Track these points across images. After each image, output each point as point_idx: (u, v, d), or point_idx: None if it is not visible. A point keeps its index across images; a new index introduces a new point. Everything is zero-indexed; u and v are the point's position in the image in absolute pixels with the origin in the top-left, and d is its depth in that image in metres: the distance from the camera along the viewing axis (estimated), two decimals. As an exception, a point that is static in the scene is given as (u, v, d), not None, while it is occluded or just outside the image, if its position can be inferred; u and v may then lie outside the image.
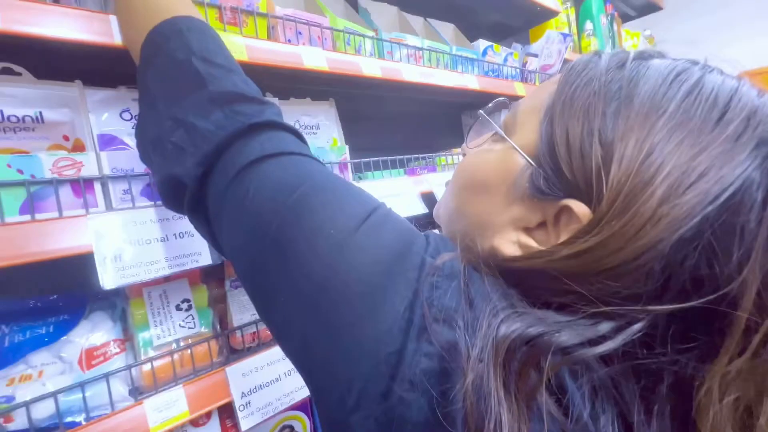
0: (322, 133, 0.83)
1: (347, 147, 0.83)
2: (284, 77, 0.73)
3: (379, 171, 0.87)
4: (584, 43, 1.72)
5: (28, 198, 0.46)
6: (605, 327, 0.22)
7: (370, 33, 0.85)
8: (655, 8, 2.35)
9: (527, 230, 0.29)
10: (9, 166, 0.46)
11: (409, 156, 0.93)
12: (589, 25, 1.74)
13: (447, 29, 1.14)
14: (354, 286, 0.25)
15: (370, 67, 0.78)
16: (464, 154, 0.37)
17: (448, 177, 0.95)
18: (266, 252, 0.29)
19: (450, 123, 1.34)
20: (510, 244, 0.29)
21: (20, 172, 0.47)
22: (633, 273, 0.22)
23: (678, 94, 0.24)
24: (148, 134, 0.40)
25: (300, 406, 0.74)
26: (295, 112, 0.80)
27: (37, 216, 0.47)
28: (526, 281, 0.26)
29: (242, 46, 0.61)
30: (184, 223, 0.56)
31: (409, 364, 0.23)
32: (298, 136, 0.37)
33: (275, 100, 0.75)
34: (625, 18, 2.39)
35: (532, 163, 0.28)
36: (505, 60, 1.19)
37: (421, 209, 0.84)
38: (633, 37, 2.13)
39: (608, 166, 0.24)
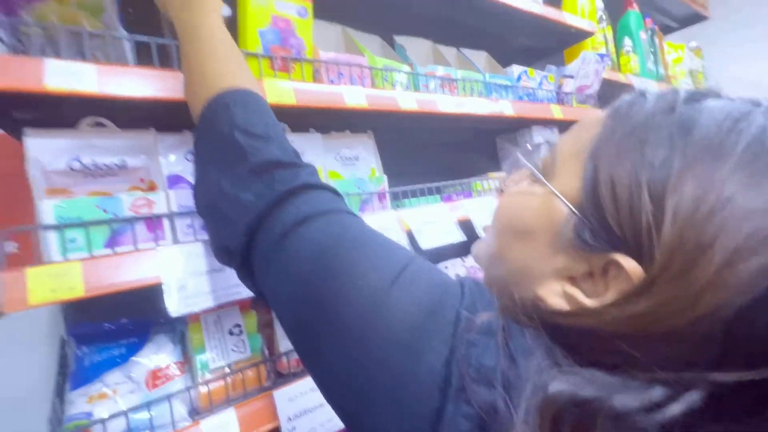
0: (362, 164, 0.87)
1: (385, 177, 0.86)
2: (327, 114, 0.78)
3: (416, 198, 0.89)
4: (623, 60, 1.68)
5: (111, 234, 0.53)
6: (659, 393, 0.20)
7: (406, 68, 0.89)
8: (699, 18, 2.25)
9: (572, 280, 0.27)
10: (97, 206, 0.53)
11: (445, 183, 0.95)
12: (627, 42, 1.70)
13: (480, 57, 1.17)
14: (390, 345, 0.26)
15: (406, 101, 0.82)
16: (502, 191, 0.36)
17: (484, 203, 0.96)
18: (309, 313, 0.31)
19: (485, 147, 1.35)
20: (555, 295, 0.27)
21: (105, 211, 0.54)
22: (689, 338, 0.21)
23: (739, 144, 0.22)
24: (201, 201, 0.45)
25: (341, 432, 0.75)
26: (336, 145, 0.85)
27: (117, 249, 0.54)
28: (571, 337, 0.25)
29: (291, 90, 0.67)
30: (239, 254, 0.61)
31: (449, 425, 0.23)
32: (332, 190, 0.40)
33: (317, 135, 0.80)
34: (666, 30, 2.31)
35: (576, 212, 0.26)
36: (540, 84, 1.20)
37: (459, 237, 0.85)
38: (677, 50, 2.05)
39: (659, 223, 0.22)
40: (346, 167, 0.86)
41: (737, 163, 0.22)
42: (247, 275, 0.40)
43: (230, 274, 0.60)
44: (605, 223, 0.24)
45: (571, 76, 1.28)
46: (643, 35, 1.75)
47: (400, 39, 0.98)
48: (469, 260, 1.04)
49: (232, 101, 0.44)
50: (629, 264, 0.23)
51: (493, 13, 1.08)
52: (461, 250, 1.09)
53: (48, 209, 0.50)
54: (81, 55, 0.52)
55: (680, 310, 0.21)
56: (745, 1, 2.20)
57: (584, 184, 0.26)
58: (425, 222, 0.82)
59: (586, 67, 1.30)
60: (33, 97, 0.48)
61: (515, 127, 1.26)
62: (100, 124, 0.57)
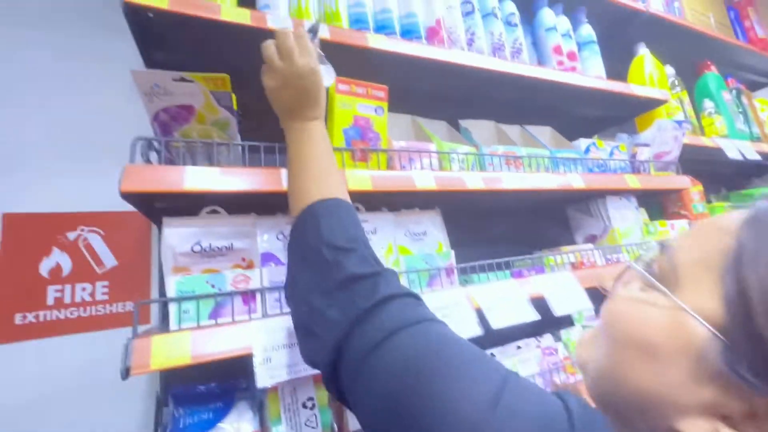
0: (429, 239, 0.91)
1: (452, 252, 0.88)
2: (400, 196, 0.85)
3: (484, 274, 0.89)
4: (705, 122, 1.59)
5: (215, 306, 0.62)
6: None
7: (472, 150, 0.95)
8: (796, 72, 2.07)
9: (727, 420, 0.23)
10: (207, 282, 0.63)
11: (514, 258, 0.94)
12: (708, 104, 1.62)
13: (544, 133, 1.20)
14: None
15: (473, 180, 0.87)
16: (607, 291, 0.32)
17: (558, 279, 0.92)
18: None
19: (555, 217, 1.32)
20: (696, 430, 0.24)
21: (213, 286, 0.63)
22: None
23: None
24: (294, 315, 0.49)
25: None
26: (405, 222, 0.90)
27: (218, 320, 0.62)
28: None
29: (368, 177, 0.75)
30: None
31: None
32: (412, 296, 0.41)
33: (389, 214, 0.86)
34: (755, 86, 2.15)
35: (723, 338, 0.23)
36: (611, 154, 1.17)
37: (532, 315, 0.81)
38: (771, 106, 1.88)
39: None
40: (415, 242, 0.90)
41: None
42: (332, 382, 0.41)
43: (309, 348, 0.64)
44: (764, 356, 0.22)
45: (647, 144, 1.24)
46: (727, 95, 1.66)
47: (465, 123, 1.06)
48: (545, 340, 0.97)
49: (320, 213, 0.49)
50: None
51: (557, 92, 1.13)
52: (535, 329, 1.03)
53: (171, 284, 0.61)
54: (210, 158, 0.66)
55: None
56: None
57: (729, 307, 0.23)
58: (495, 299, 0.81)
59: (662, 135, 1.25)
60: (175, 195, 0.61)
61: (588, 197, 1.22)
62: (215, 211, 0.70)
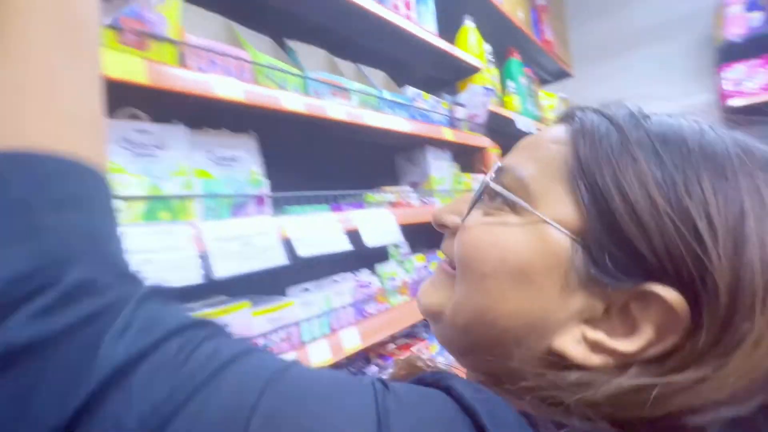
0: (240, 166, 0.79)
1: (267, 182, 0.79)
2: (197, 105, 0.70)
3: (301, 206, 0.83)
4: (507, 99, 1.90)
5: None
6: None
7: (295, 70, 0.85)
8: (566, 75, 2.72)
9: (588, 323, 0.23)
10: None
11: (334, 192, 0.91)
12: (510, 84, 1.94)
13: (377, 75, 1.19)
14: None
15: (291, 102, 0.78)
16: (454, 229, 0.29)
17: (374, 214, 0.94)
18: None
19: (383, 164, 1.37)
20: (575, 343, 0.23)
21: None
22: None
23: (730, 150, 0.22)
24: None
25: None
26: (209, 144, 0.75)
27: None
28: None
29: (143, 67, 0.57)
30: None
31: None
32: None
33: (183, 130, 0.70)
34: (543, 81, 2.72)
35: (585, 242, 0.23)
36: (434, 107, 1.27)
37: (346, 245, 0.81)
38: (550, 98, 2.42)
39: (703, 243, 0.20)
40: (221, 168, 0.77)
41: (739, 171, 0.21)
42: None
43: None
44: (631, 250, 0.22)
45: (463, 105, 1.39)
46: (524, 80, 2.02)
47: (293, 43, 0.95)
48: (362, 275, 1.00)
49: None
50: (670, 294, 0.21)
51: (388, 33, 1.13)
52: (353, 263, 1.05)
53: None
54: None
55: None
56: (602, 60, 2.72)
57: (582, 208, 0.23)
58: (308, 230, 0.77)
59: (474, 99, 1.43)
60: None
61: (410, 146, 1.30)
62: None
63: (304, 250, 0.72)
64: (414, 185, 1.27)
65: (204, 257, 0.60)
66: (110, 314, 0.18)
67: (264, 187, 0.78)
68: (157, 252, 0.55)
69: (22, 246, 0.18)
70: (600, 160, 0.23)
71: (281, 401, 0.18)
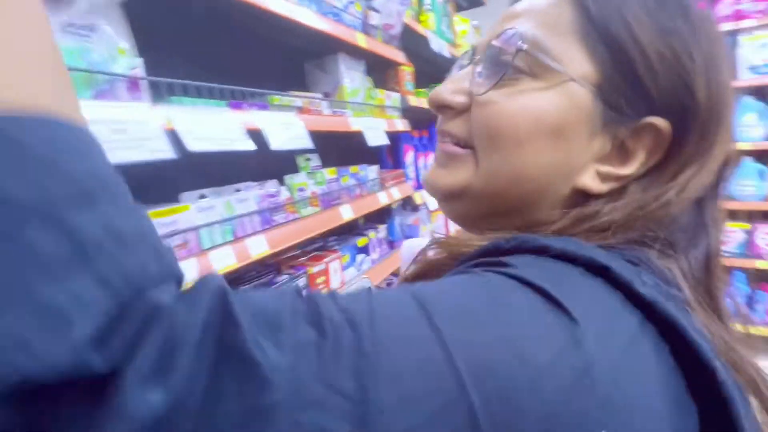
0: (100, 38, 0.62)
1: (141, 61, 0.65)
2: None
3: (190, 98, 0.71)
4: (423, 17, 1.84)
5: None
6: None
7: None
8: (479, 3, 2.72)
9: (601, 160, 0.28)
10: None
11: (232, 87, 0.80)
12: (427, 1, 1.86)
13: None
14: None
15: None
16: (473, 103, 0.30)
17: (280, 117, 0.87)
18: None
19: (291, 71, 1.24)
20: (592, 178, 0.28)
21: None
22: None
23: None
24: None
25: None
26: (59, 7, 0.57)
27: None
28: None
29: None
30: None
31: None
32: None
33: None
34: (459, 8, 2.69)
35: (599, 92, 0.27)
36: (346, 8, 1.15)
37: (249, 145, 0.73)
38: (464, 24, 2.42)
39: (693, 82, 0.26)
40: (77, 39, 0.60)
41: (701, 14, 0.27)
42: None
43: None
44: (640, 89, 0.26)
45: (377, 10, 1.30)
46: (440, 0, 1.96)
47: None
48: (268, 186, 0.94)
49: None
50: (661, 122, 0.26)
51: None
52: (258, 175, 0.98)
53: None
54: None
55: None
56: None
57: (603, 59, 0.27)
58: (200, 124, 0.67)
59: (389, 6, 1.33)
60: None
61: (321, 52, 1.20)
62: None
63: (195, 144, 0.63)
64: (325, 96, 1.19)
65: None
66: (226, 328, 0.16)
67: (137, 69, 0.64)
68: None
69: (80, 277, 0.14)
70: (609, 11, 0.26)
71: (457, 329, 0.18)
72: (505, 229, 0.30)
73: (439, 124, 0.33)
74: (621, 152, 0.28)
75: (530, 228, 0.28)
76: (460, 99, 0.31)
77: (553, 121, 0.27)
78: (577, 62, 0.27)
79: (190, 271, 0.67)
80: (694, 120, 0.26)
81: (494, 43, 0.29)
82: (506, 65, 0.28)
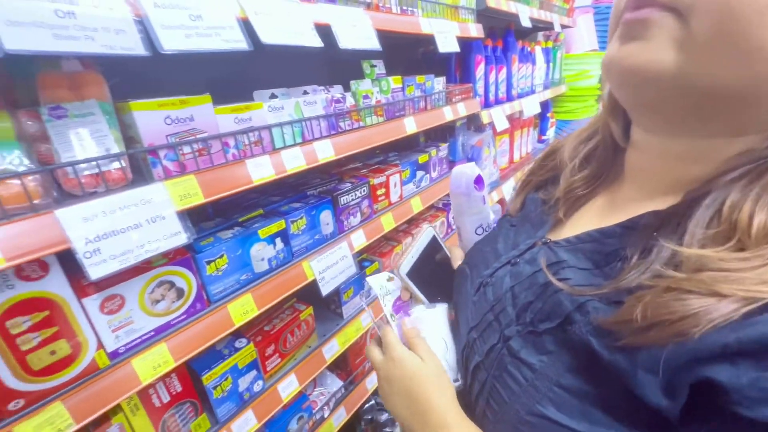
0: None
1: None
2: None
3: (259, -14, 0.68)
4: None
5: None
6: None
7: None
8: None
9: None
10: None
11: (300, -25, 0.74)
12: None
13: None
14: None
15: None
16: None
17: (348, 12, 0.81)
18: None
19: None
20: None
21: None
22: None
23: None
24: None
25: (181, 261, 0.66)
26: None
27: None
28: None
29: None
30: None
31: None
32: None
33: None
34: None
35: None
36: None
37: (315, 41, 0.70)
38: None
39: None
40: None
41: None
42: None
43: None
44: None
45: None
46: None
47: None
48: (334, 91, 0.92)
49: None
50: None
51: None
52: (325, 77, 0.96)
53: None
54: None
55: None
56: None
57: None
58: (272, 15, 0.64)
59: None
60: None
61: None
62: None
63: (268, 37, 0.62)
64: (394, -8, 1.08)
65: (143, 23, 0.49)
66: None
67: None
68: (79, 4, 0.44)
69: None
70: None
71: None
72: (698, 136, 0.26)
73: None
74: None
75: (755, 124, 0.24)
76: None
77: None
78: None
79: (266, 167, 0.71)
80: None
81: None
82: None
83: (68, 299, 0.54)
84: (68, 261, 0.51)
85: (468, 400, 0.37)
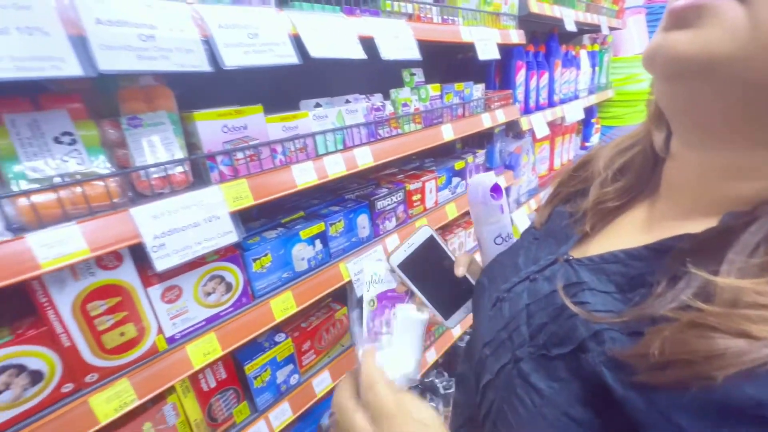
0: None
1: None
2: None
3: (308, 3, 0.73)
4: None
5: None
6: None
7: None
8: None
9: None
10: None
11: (346, -9, 0.78)
12: None
13: None
14: None
15: None
16: None
17: (390, 24, 0.84)
18: None
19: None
20: None
21: None
22: None
23: None
24: None
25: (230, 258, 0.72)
26: None
27: None
28: None
29: None
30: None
31: None
32: None
33: None
34: None
35: None
36: None
37: (358, 53, 0.74)
38: None
39: None
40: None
41: None
42: None
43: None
44: None
45: None
46: None
47: None
48: (374, 99, 0.95)
49: None
50: None
51: None
52: (365, 87, 0.99)
53: None
54: None
55: None
56: None
57: None
58: (318, 29, 0.69)
59: None
60: None
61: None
62: None
63: (316, 51, 0.66)
64: (436, 0, 1.10)
65: (208, 42, 0.55)
66: None
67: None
68: (158, 28, 0.50)
69: None
70: None
71: None
72: (743, 146, 0.23)
73: None
74: None
75: None
76: None
77: None
78: None
79: (309, 172, 0.75)
80: None
81: None
82: None
83: (137, 287, 0.60)
84: (137, 253, 0.57)
85: (476, 417, 0.35)
